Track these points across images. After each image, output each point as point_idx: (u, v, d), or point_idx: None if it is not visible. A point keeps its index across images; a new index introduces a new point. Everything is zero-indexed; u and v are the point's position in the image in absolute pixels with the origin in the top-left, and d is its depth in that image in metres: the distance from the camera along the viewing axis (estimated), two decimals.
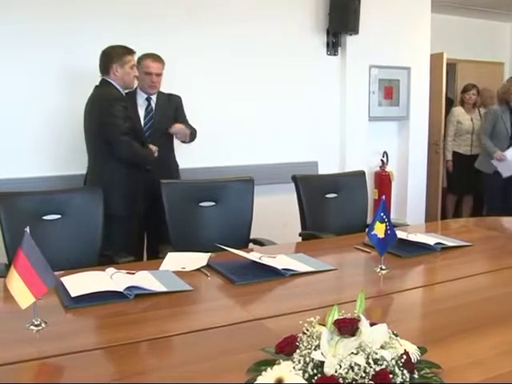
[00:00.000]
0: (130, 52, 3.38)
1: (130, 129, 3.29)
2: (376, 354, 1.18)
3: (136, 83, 3.56)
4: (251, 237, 3.20)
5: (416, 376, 1.22)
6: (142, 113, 3.65)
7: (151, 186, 3.35)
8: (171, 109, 3.77)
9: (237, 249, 2.48)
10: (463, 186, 6.13)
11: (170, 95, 3.81)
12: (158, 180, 3.10)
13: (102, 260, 2.76)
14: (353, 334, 1.21)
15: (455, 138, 6.09)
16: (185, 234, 3.03)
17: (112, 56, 3.34)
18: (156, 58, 3.65)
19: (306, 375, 1.17)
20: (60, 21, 3.83)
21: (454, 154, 6.09)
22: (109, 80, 3.36)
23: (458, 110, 6.10)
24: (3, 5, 3.66)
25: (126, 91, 3.51)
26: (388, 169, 5.40)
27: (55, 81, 3.89)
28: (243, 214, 3.18)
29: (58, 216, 2.78)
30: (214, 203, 3.15)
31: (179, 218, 3.04)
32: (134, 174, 3.39)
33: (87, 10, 3.90)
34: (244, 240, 3.13)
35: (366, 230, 2.32)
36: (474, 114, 6.08)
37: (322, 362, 1.17)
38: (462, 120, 6.03)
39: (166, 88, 3.80)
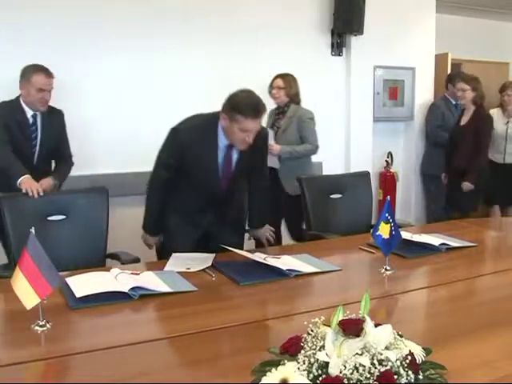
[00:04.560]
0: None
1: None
2: (381, 354, 1.18)
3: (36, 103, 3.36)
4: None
5: (421, 377, 1.22)
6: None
7: None
8: (57, 126, 3.50)
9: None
10: (502, 197, 5.26)
11: (52, 109, 3.49)
12: None
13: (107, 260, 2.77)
14: (357, 335, 1.21)
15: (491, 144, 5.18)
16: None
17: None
18: (49, 73, 3.37)
19: (311, 376, 1.17)
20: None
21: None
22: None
23: (495, 113, 5.26)
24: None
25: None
26: (393, 169, 5.39)
27: None
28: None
29: (63, 217, 2.79)
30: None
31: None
32: None
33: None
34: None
35: (371, 230, 2.32)
36: None
37: (327, 363, 1.17)
38: (496, 124, 5.17)
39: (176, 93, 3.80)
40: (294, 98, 4.22)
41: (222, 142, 2.66)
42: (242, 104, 2.52)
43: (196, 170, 2.70)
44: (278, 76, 4.23)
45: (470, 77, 4.67)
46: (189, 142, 2.65)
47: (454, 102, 5.23)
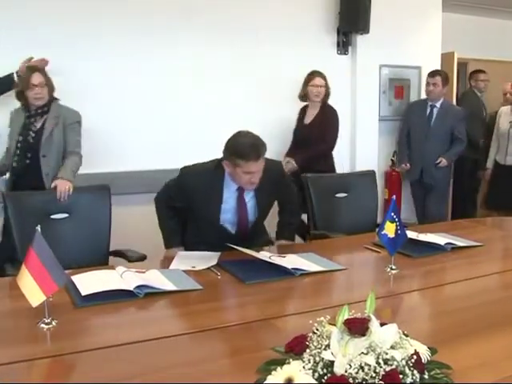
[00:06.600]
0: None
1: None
2: (386, 354, 1.17)
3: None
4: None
5: (426, 377, 1.21)
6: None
7: None
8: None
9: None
10: (503, 201, 5.06)
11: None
12: None
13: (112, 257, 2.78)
14: (363, 334, 1.21)
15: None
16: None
17: None
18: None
19: (316, 375, 1.17)
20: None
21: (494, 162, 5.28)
22: None
23: (503, 110, 5.24)
24: None
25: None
26: (398, 169, 5.37)
27: None
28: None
29: (66, 215, 2.79)
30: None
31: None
32: None
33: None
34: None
35: (377, 229, 2.32)
36: None
37: (332, 362, 1.17)
38: (501, 122, 5.18)
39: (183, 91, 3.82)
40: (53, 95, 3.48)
41: (232, 186, 2.64)
42: (241, 148, 2.47)
43: (203, 215, 2.71)
44: (35, 69, 3.41)
45: (320, 73, 4.40)
46: (193, 187, 2.64)
47: (429, 103, 4.97)
